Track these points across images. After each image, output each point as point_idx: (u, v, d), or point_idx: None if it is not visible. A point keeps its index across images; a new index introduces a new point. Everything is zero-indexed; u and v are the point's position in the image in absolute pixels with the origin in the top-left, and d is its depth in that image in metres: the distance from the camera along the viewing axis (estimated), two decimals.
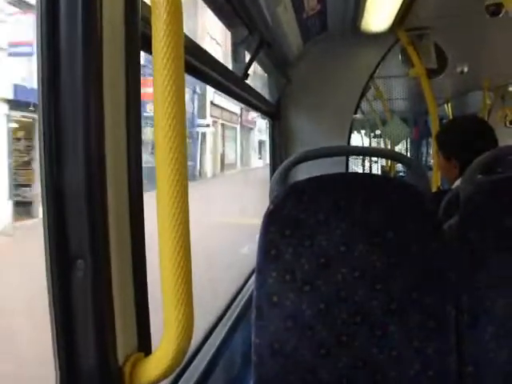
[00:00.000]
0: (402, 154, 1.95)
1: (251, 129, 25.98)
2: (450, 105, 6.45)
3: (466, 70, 4.06)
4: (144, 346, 0.75)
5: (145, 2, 0.75)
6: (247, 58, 1.84)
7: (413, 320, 1.23)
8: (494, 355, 1.22)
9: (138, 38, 0.73)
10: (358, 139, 9.84)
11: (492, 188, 1.31)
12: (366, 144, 10.24)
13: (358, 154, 5.45)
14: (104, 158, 0.65)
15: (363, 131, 9.65)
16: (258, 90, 2.23)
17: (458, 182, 1.78)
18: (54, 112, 0.63)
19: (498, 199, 1.29)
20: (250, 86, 1.89)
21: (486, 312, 1.23)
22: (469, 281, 1.25)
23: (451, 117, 6.59)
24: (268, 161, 2.86)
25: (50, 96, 0.63)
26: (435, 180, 3.13)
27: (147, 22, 0.69)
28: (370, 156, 7.66)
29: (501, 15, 2.43)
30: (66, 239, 0.64)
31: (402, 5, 2.40)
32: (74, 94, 0.63)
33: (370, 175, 1.64)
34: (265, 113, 2.61)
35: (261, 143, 27.32)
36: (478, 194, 1.29)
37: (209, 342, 1.61)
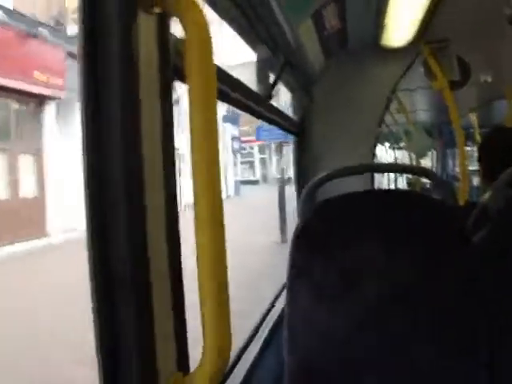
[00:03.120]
0: (426, 169, 1.95)
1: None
2: (475, 114, 6.38)
3: (489, 79, 4.03)
4: (182, 365, 0.77)
5: (174, 35, 0.79)
6: (271, 78, 1.87)
7: (443, 336, 1.22)
8: None
9: (171, 69, 0.76)
10: (383, 151, 9.79)
11: None
12: (391, 155, 10.17)
13: (382, 171, 5.43)
14: (142, 181, 0.68)
15: (387, 143, 9.60)
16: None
17: (487, 195, 1.77)
18: (96, 148, 0.66)
19: None
20: (274, 106, 1.91)
21: None
22: (500, 294, 1.24)
23: (476, 127, 6.52)
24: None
25: (92, 133, 0.66)
26: (462, 192, 3.09)
27: (178, 54, 0.73)
28: (396, 172, 7.60)
29: None
30: (109, 263, 0.67)
31: (422, 18, 2.40)
32: (113, 127, 0.66)
33: (398, 191, 1.65)
34: (289, 131, 2.64)
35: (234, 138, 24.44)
36: (507, 207, 1.29)
37: (242, 359, 1.62)
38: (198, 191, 0.68)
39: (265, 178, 28.18)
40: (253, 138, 19.42)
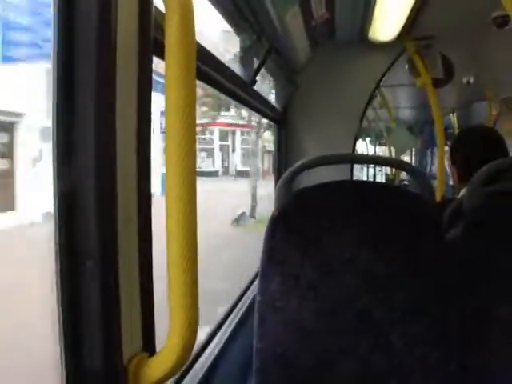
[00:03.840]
0: (406, 162, 1.96)
1: None
2: (455, 115, 6.45)
3: (471, 80, 4.07)
4: (149, 346, 0.76)
5: (158, 9, 0.77)
6: (255, 63, 1.86)
7: (415, 329, 1.23)
8: (497, 365, 1.23)
9: (151, 42, 0.74)
10: (363, 147, 9.85)
11: (496, 198, 1.32)
12: (371, 152, 10.24)
13: (362, 162, 5.45)
14: (114, 160, 0.66)
15: (368, 139, 9.66)
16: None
17: (463, 192, 1.79)
18: (66, 114, 0.65)
19: (502, 209, 1.29)
20: (257, 92, 1.90)
21: (489, 321, 1.23)
22: (472, 290, 1.26)
23: (456, 126, 6.60)
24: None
25: (63, 97, 0.64)
26: (439, 189, 3.13)
27: (160, 28, 0.71)
28: (375, 164, 7.65)
29: (508, 27, 2.44)
30: (76, 240, 0.65)
31: (409, 14, 2.41)
32: (87, 96, 0.64)
33: (375, 183, 1.66)
34: (271, 119, 2.63)
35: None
36: (482, 204, 1.30)
37: (210, 345, 1.62)
38: (170, 177, 0.67)
39: (226, 170, 25.06)
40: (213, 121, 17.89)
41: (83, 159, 0.65)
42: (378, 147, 10.49)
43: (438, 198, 2.92)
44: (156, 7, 0.76)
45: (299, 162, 1.39)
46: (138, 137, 0.72)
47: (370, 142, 9.83)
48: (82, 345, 0.67)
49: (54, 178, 0.65)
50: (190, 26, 0.68)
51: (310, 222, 1.27)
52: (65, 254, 0.66)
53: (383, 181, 9.52)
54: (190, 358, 1.50)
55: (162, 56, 0.70)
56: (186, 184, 0.66)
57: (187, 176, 0.67)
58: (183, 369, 1.41)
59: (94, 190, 0.65)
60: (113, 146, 0.66)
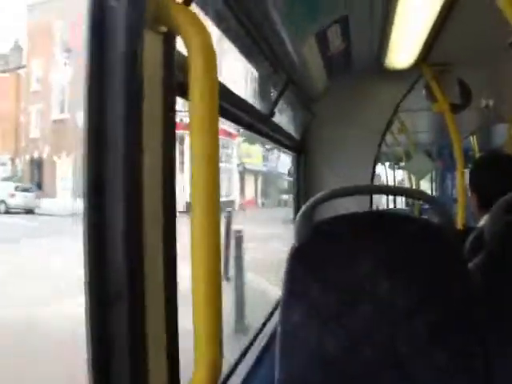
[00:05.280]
0: (425, 192, 1.95)
1: None
2: (475, 137, 6.41)
3: (491, 104, 4.05)
4: (174, 380, 0.77)
5: (181, 52, 0.79)
6: (273, 95, 1.88)
7: (439, 360, 1.21)
8: None
9: (174, 84, 0.77)
10: (382, 171, 9.81)
11: None
12: (390, 176, 10.19)
13: (381, 193, 5.43)
14: (141, 205, 0.68)
15: (387, 163, 9.62)
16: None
17: (483, 220, 1.77)
18: (97, 156, 0.66)
19: None
20: (276, 124, 1.92)
21: None
22: (495, 320, 1.24)
23: (477, 149, 6.54)
24: None
25: (94, 146, 0.66)
26: (460, 215, 3.09)
27: (182, 71, 0.73)
28: (393, 195, 7.62)
29: None
30: (106, 278, 0.67)
31: (425, 41, 2.42)
32: (116, 138, 0.66)
33: (394, 214, 1.65)
34: (290, 148, 2.65)
35: None
36: (503, 233, 1.29)
37: (233, 377, 1.61)
38: (196, 216, 0.68)
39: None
40: None
41: (112, 200, 0.67)
42: (397, 170, 10.44)
43: (460, 224, 2.89)
44: (178, 51, 0.79)
45: (318, 195, 1.40)
46: (164, 180, 0.74)
47: (389, 166, 9.79)
48: (111, 381, 0.68)
49: (84, 220, 0.67)
50: (212, 66, 0.70)
51: (329, 254, 1.27)
52: (95, 291, 0.67)
53: (403, 205, 9.44)
54: None
55: (185, 96, 0.73)
56: (211, 219, 0.68)
57: (212, 211, 0.68)
58: None
59: (122, 235, 0.66)
60: (139, 190, 0.68)
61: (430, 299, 1.23)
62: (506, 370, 1.21)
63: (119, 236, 0.66)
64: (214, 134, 0.70)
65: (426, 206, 7.36)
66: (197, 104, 0.69)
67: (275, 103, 1.82)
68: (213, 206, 0.69)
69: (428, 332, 1.22)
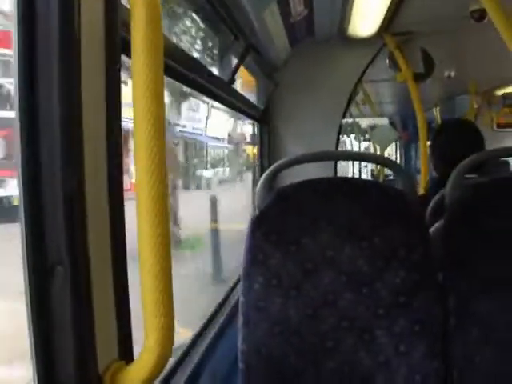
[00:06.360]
0: (388, 159, 1.97)
1: None
2: (437, 109, 6.49)
3: (452, 74, 4.08)
4: (125, 354, 0.74)
5: (124, 6, 0.75)
6: (233, 62, 1.84)
7: (399, 324, 1.23)
8: (480, 358, 1.23)
9: (118, 40, 0.72)
10: (347, 143, 9.87)
11: (476, 191, 1.32)
12: (356, 148, 10.26)
13: (344, 159, 5.46)
14: (82, 162, 0.64)
15: (352, 135, 9.68)
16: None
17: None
18: (31, 116, 0.63)
19: (483, 202, 1.30)
20: (237, 91, 1.89)
21: (472, 314, 1.24)
22: (455, 283, 1.26)
23: (439, 120, 6.64)
24: None
25: (27, 99, 0.62)
26: (423, 183, 3.15)
27: (126, 26, 0.69)
28: (357, 160, 7.70)
29: (485, 20, 2.45)
30: (45, 245, 0.63)
31: (388, 9, 2.41)
32: (52, 97, 0.62)
33: (356, 180, 1.65)
34: (252, 117, 2.61)
35: None
36: (463, 197, 1.30)
37: (194, 349, 1.61)
38: (140, 178, 0.65)
39: None
40: None
41: (50, 161, 0.63)
42: (362, 143, 10.52)
43: (422, 189, 2.93)
44: (122, 4, 0.75)
45: (280, 161, 1.38)
46: (108, 138, 0.70)
47: (355, 138, 9.86)
48: (55, 353, 0.65)
49: (19, 180, 0.63)
50: (156, 21, 0.66)
51: (291, 221, 1.26)
52: (33, 260, 0.63)
53: (368, 176, 9.55)
54: (177, 359, 1.49)
55: (129, 55, 0.69)
56: (157, 182, 0.65)
57: (157, 175, 0.65)
58: (170, 369, 1.40)
59: (62, 191, 0.63)
60: (80, 148, 0.64)
61: (392, 264, 1.24)
62: (463, 332, 1.24)
63: (59, 198, 0.63)
64: (158, 95, 0.65)
65: (391, 177, 7.47)
66: (139, 61, 0.65)
67: (236, 69, 1.78)
68: (158, 167, 0.66)
69: (390, 297, 1.23)
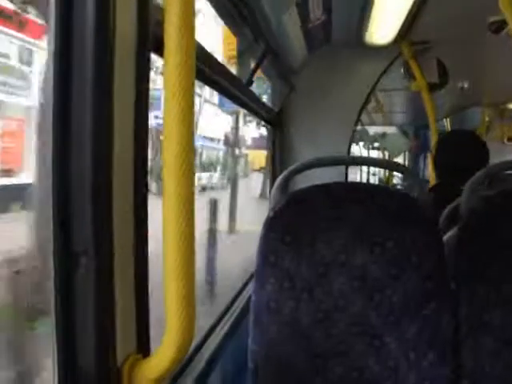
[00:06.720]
0: (402, 165, 1.98)
1: None
2: (448, 119, 6.47)
3: (466, 86, 4.08)
4: (143, 347, 0.75)
5: (158, 5, 0.76)
6: (252, 64, 1.85)
7: (410, 331, 1.23)
8: (490, 368, 1.22)
9: (149, 39, 0.73)
10: (356, 151, 9.85)
11: (492, 202, 1.32)
12: (365, 155, 10.23)
13: (358, 164, 5.45)
14: (111, 156, 0.65)
15: (361, 143, 9.67)
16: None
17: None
18: (64, 109, 0.64)
19: (498, 213, 1.30)
20: (253, 93, 1.90)
21: (483, 324, 1.23)
22: (467, 292, 1.26)
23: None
24: None
25: (60, 95, 0.64)
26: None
27: (159, 25, 0.70)
28: (372, 166, 7.67)
29: (503, 33, 2.45)
30: (71, 236, 0.64)
31: (406, 18, 2.41)
32: (84, 93, 0.64)
33: (370, 185, 1.66)
34: (266, 120, 2.62)
35: None
36: (479, 207, 1.30)
37: (205, 346, 1.61)
38: (168, 175, 0.66)
39: None
40: None
41: (79, 155, 0.64)
42: (371, 151, 10.50)
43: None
44: (155, 3, 0.76)
45: (294, 165, 1.39)
46: (136, 134, 0.71)
47: (364, 146, 9.84)
48: (76, 343, 0.66)
49: (52, 177, 0.64)
50: (189, 23, 0.67)
51: (304, 224, 1.26)
52: (60, 250, 0.65)
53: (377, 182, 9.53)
54: (187, 356, 1.49)
55: (159, 53, 0.70)
56: (184, 185, 0.66)
57: (186, 179, 0.66)
58: (179, 368, 1.40)
59: (91, 187, 0.64)
60: (110, 142, 0.65)
61: (404, 271, 1.24)
62: (474, 341, 1.24)
63: (87, 193, 0.64)
64: (188, 94, 0.66)
65: (399, 187, 7.45)
66: (171, 61, 0.66)
67: (253, 72, 1.79)
68: (187, 166, 0.67)
69: (401, 304, 1.23)
